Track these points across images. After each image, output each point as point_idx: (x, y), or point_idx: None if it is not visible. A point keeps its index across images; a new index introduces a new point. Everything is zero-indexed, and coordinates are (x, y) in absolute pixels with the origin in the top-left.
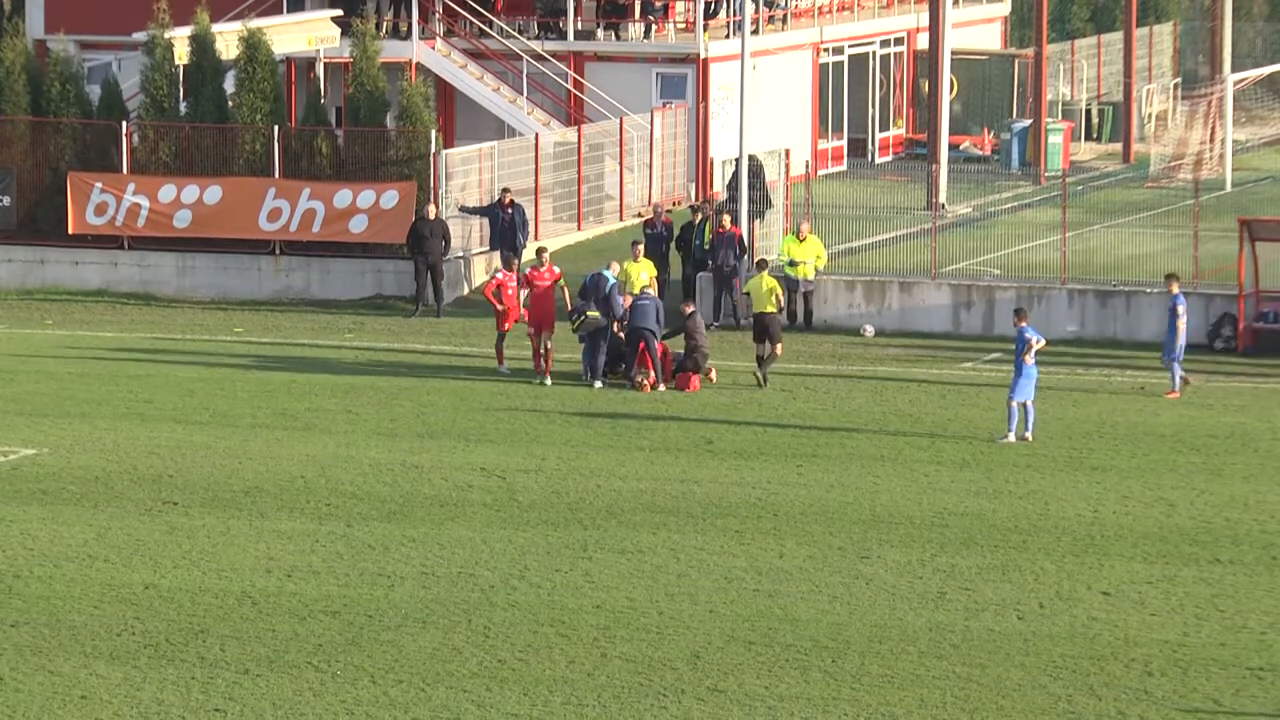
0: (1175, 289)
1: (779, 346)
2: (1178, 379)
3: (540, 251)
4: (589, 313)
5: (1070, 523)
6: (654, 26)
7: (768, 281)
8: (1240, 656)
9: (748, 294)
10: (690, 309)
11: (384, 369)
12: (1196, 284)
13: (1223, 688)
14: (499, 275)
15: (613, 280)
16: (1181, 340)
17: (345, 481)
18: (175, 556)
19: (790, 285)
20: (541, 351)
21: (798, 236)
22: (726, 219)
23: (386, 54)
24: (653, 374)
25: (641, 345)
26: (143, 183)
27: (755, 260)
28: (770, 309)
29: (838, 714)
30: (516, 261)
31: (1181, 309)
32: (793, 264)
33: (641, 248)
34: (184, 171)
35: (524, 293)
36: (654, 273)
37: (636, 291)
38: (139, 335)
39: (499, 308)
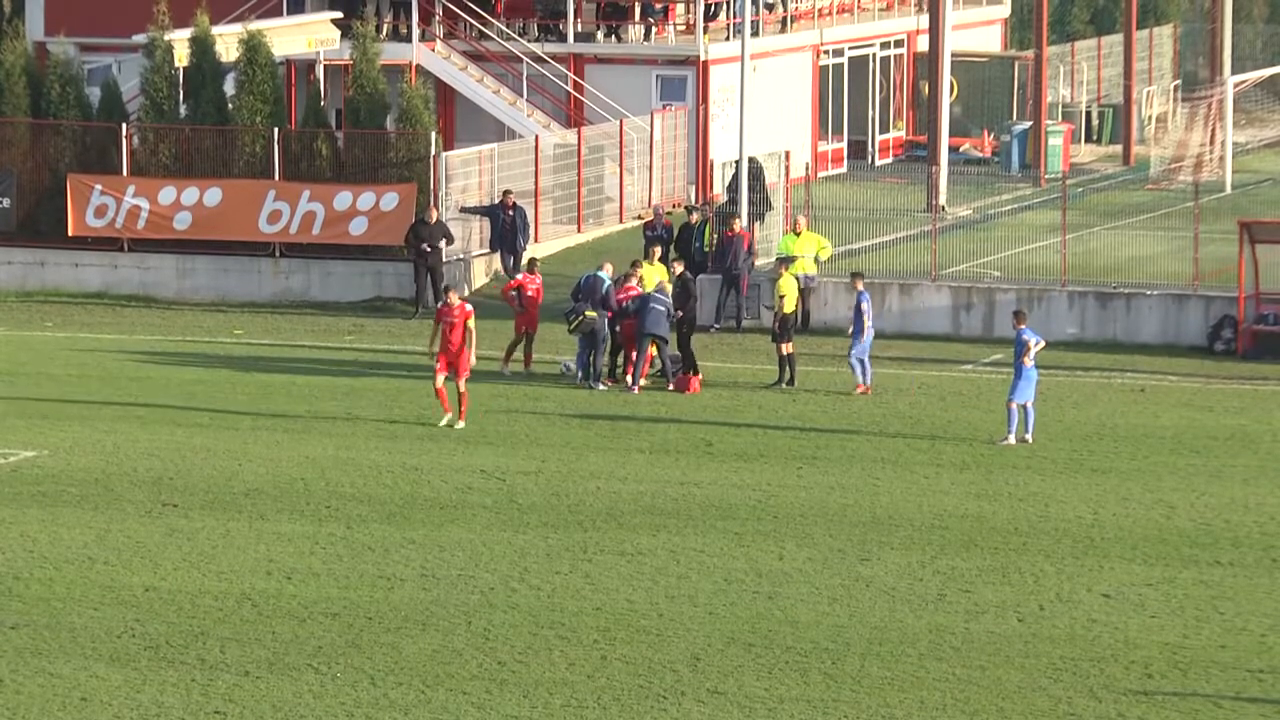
0: (860, 286)
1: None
2: (862, 375)
3: (448, 290)
4: (586, 313)
5: (1070, 525)
6: (654, 29)
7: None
8: (1240, 659)
9: (782, 296)
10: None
11: (384, 371)
12: (1197, 286)
13: (1223, 690)
14: (518, 276)
15: (608, 281)
16: (866, 338)
17: (345, 483)
18: (175, 559)
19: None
20: (455, 393)
21: (794, 232)
22: (737, 222)
23: (387, 56)
24: (644, 374)
25: (651, 350)
26: (143, 185)
27: (778, 259)
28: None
29: (838, 716)
30: (513, 264)
31: (866, 306)
32: (788, 260)
33: (659, 250)
34: (184, 173)
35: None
36: (667, 275)
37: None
38: (139, 337)
39: (517, 309)
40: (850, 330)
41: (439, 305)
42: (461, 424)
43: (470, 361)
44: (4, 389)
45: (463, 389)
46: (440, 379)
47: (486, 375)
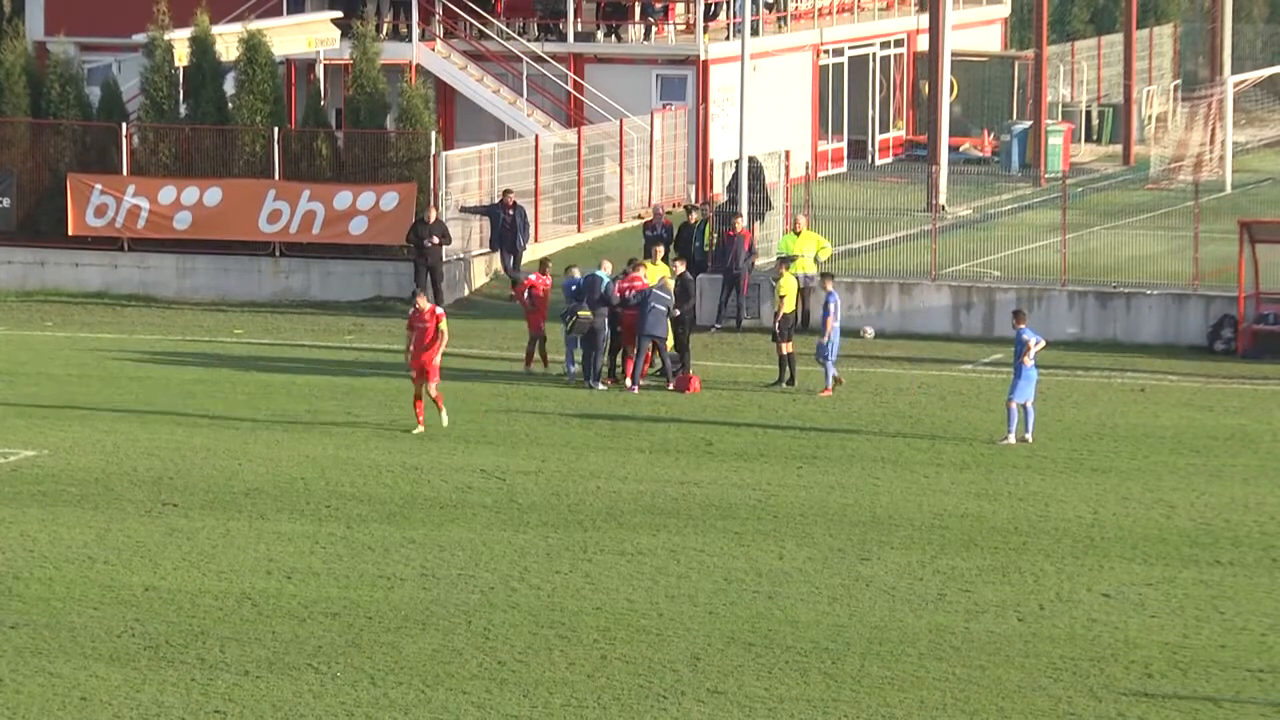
0: (829, 287)
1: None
2: (830, 377)
3: (415, 295)
4: (580, 313)
5: (1070, 524)
6: (654, 28)
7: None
8: (1240, 658)
9: (783, 296)
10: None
11: (384, 370)
12: (1197, 286)
13: (1223, 689)
14: (530, 276)
15: (606, 280)
16: (835, 339)
17: (345, 483)
18: (175, 558)
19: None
20: (425, 399)
21: (794, 231)
22: (739, 222)
23: (387, 56)
24: (642, 371)
25: (650, 351)
26: (143, 184)
27: (779, 259)
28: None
29: (838, 715)
30: (514, 263)
31: (833, 306)
32: (789, 259)
33: (662, 249)
34: (184, 173)
35: (410, 334)
36: (669, 274)
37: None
38: (139, 337)
39: (528, 309)
40: (822, 329)
41: (410, 311)
42: (445, 420)
43: (435, 360)
44: (4, 389)
45: (434, 394)
46: (422, 388)
47: (488, 376)
